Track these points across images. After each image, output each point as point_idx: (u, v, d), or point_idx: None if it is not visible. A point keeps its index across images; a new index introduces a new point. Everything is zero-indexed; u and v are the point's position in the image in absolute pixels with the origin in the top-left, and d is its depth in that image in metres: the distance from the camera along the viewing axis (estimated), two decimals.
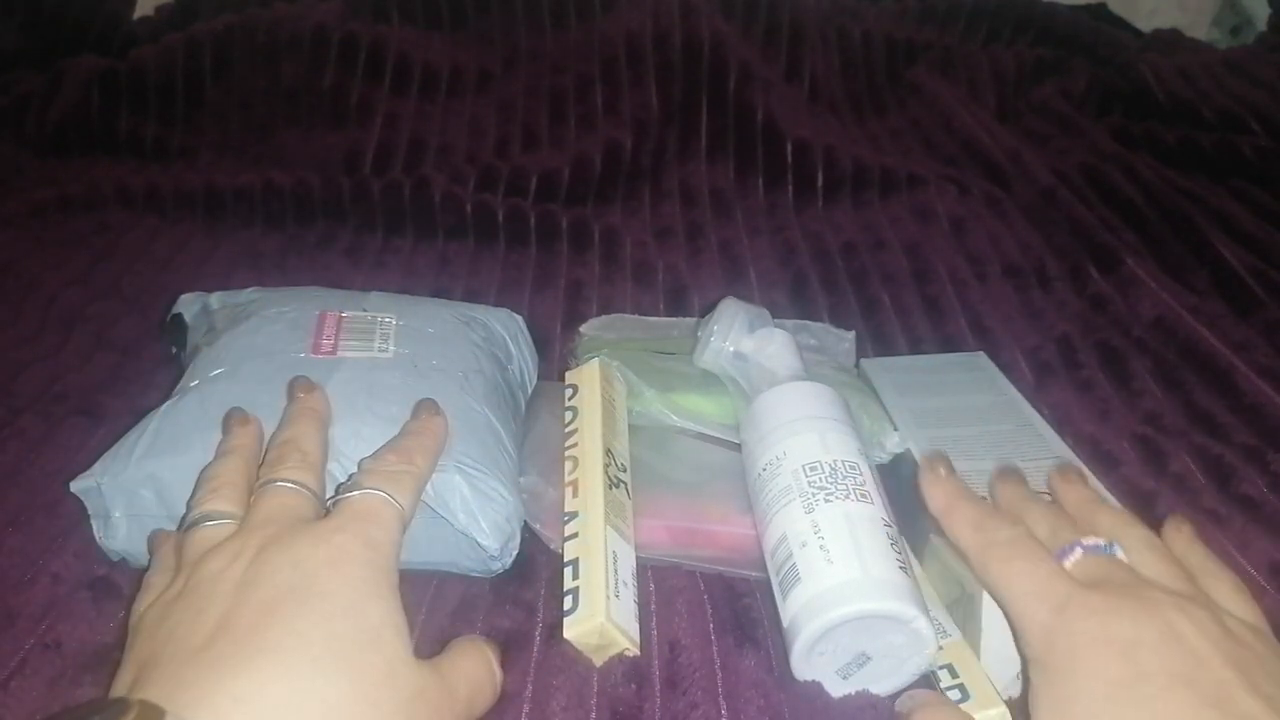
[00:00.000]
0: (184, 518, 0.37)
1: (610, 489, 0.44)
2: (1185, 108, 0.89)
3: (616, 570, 0.41)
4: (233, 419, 0.41)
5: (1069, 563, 0.35)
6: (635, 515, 0.45)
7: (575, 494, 0.44)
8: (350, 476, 0.38)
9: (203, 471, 0.39)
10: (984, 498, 0.43)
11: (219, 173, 0.84)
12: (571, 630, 0.38)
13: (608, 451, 0.46)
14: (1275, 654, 0.32)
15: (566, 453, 0.47)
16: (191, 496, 0.38)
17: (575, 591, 0.39)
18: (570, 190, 0.82)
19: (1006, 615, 0.35)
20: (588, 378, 0.50)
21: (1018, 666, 0.39)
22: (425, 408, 0.43)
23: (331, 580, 0.31)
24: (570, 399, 0.50)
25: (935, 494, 0.40)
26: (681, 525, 0.46)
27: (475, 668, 0.35)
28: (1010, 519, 0.38)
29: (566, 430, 0.48)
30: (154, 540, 0.40)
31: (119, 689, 0.30)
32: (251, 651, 0.28)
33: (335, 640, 0.29)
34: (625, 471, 0.47)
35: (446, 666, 0.33)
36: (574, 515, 0.43)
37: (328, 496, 0.38)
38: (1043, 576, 0.34)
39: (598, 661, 0.39)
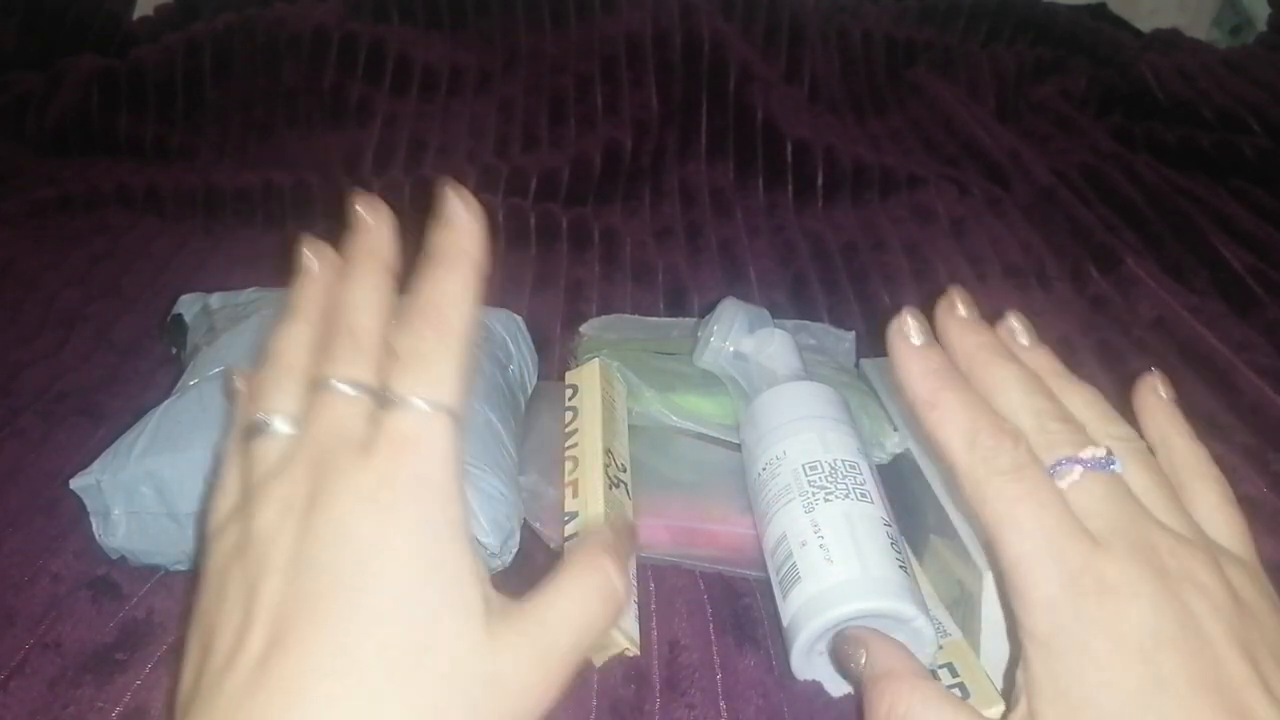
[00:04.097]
0: (246, 409, 0.32)
1: (610, 489, 0.44)
2: (1185, 108, 0.89)
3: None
4: (305, 248, 0.34)
5: (1066, 484, 0.30)
6: (635, 515, 0.45)
7: (575, 494, 0.44)
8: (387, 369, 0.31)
9: (271, 339, 0.33)
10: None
11: (219, 173, 0.84)
12: None
13: (608, 451, 0.46)
14: (1272, 608, 0.30)
15: (566, 453, 0.47)
16: (258, 372, 0.33)
17: None
18: (570, 190, 0.82)
19: (1002, 565, 0.30)
20: (588, 378, 0.50)
21: None
22: (446, 200, 0.33)
23: (381, 564, 0.27)
24: (570, 399, 0.50)
25: (912, 374, 0.33)
26: (681, 525, 0.46)
27: (577, 604, 0.30)
28: (1011, 433, 0.31)
29: (566, 430, 0.48)
30: (230, 395, 0.34)
31: (186, 680, 0.28)
32: (302, 680, 0.26)
33: (388, 650, 0.27)
34: (625, 471, 0.47)
35: (538, 618, 0.29)
36: (574, 515, 0.43)
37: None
38: (1052, 529, 0.29)
39: (598, 662, 0.39)
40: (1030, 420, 0.32)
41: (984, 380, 0.33)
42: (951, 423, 0.32)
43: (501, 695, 0.27)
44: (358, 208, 0.35)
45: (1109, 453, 0.31)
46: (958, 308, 0.35)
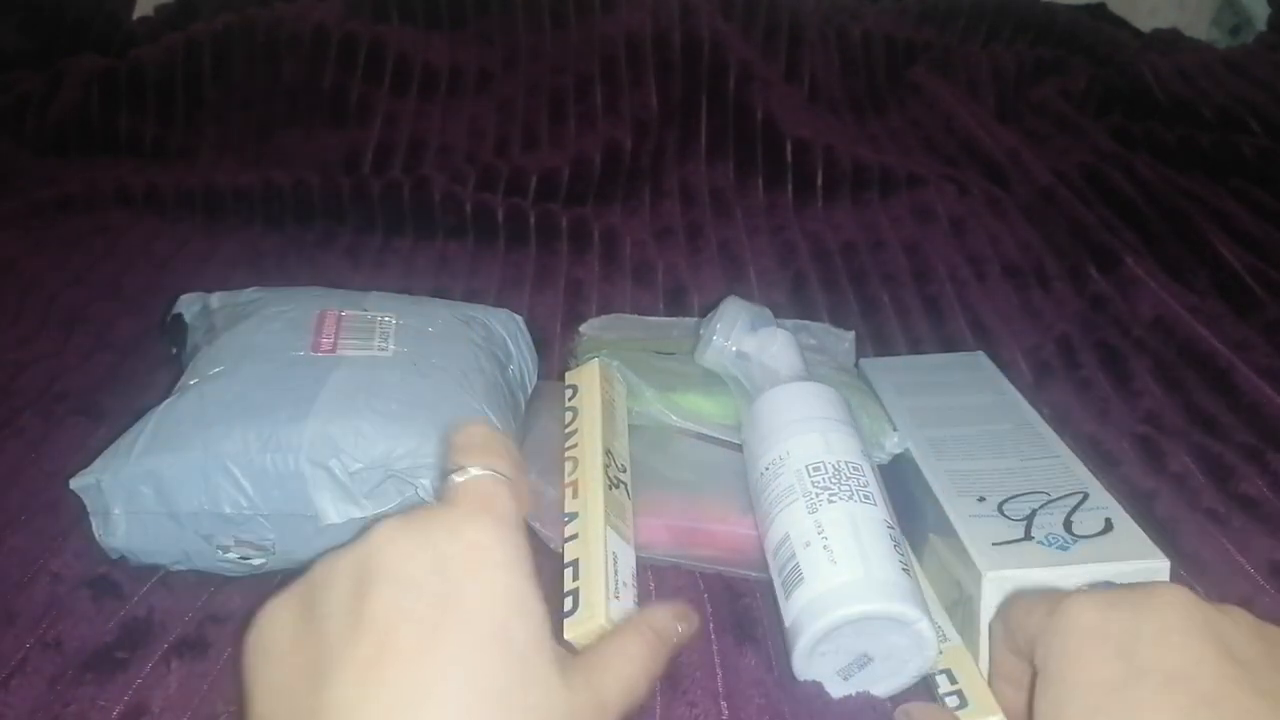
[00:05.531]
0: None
1: (610, 489, 0.44)
2: (1185, 108, 0.89)
3: (616, 571, 0.41)
4: None
5: None
6: (635, 514, 0.45)
7: (575, 494, 0.44)
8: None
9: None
10: None
11: (219, 173, 0.84)
12: (571, 631, 0.38)
13: (607, 452, 0.46)
14: (1273, 643, 0.30)
15: (566, 453, 0.47)
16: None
17: (575, 593, 0.39)
18: (570, 190, 0.82)
19: (1008, 643, 0.33)
20: (587, 378, 0.50)
21: None
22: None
23: (475, 594, 0.28)
24: (570, 399, 0.50)
25: None
26: (681, 524, 0.46)
27: (628, 668, 0.32)
28: None
29: (566, 430, 0.48)
30: None
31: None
32: (414, 692, 0.26)
33: (490, 677, 0.27)
34: (625, 472, 0.47)
35: (598, 674, 0.31)
36: (574, 516, 0.43)
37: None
38: (1038, 593, 0.32)
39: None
40: None
41: None
42: None
43: None
44: None
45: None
46: None
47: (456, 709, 0.26)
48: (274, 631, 0.30)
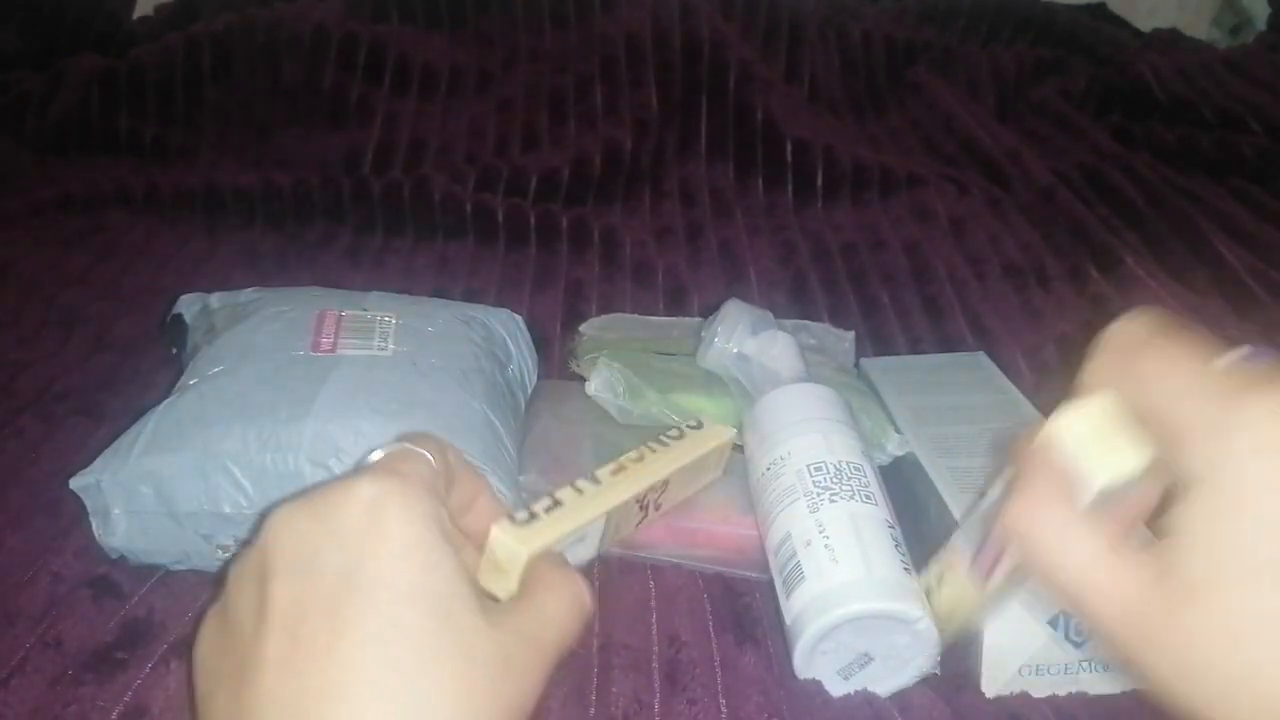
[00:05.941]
0: None
1: (634, 505, 0.42)
2: (1185, 107, 0.89)
3: (573, 546, 0.39)
4: None
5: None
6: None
7: (615, 473, 0.40)
8: None
9: None
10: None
11: (219, 173, 0.84)
12: (501, 530, 0.33)
13: (665, 483, 0.43)
14: None
15: (649, 445, 0.42)
16: None
17: (536, 516, 0.34)
18: (570, 190, 0.82)
19: (1151, 427, 0.25)
20: (721, 435, 0.45)
21: (1020, 662, 0.39)
22: None
23: (377, 556, 0.28)
24: (695, 426, 0.44)
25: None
26: (682, 524, 0.46)
27: (558, 606, 0.32)
28: None
29: (669, 434, 0.43)
30: None
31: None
32: (334, 678, 0.26)
33: (411, 634, 0.27)
34: (653, 508, 0.44)
35: (528, 617, 0.31)
36: (597, 482, 0.39)
37: None
38: (1195, 373, 0.24)
39: (483, 579, 0.36)
40: None
41: None
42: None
43: (512, 675, 0.28)
44: None
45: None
46: None
47: (381, 682, 0.26)
48: (203, 646, 0.30)
